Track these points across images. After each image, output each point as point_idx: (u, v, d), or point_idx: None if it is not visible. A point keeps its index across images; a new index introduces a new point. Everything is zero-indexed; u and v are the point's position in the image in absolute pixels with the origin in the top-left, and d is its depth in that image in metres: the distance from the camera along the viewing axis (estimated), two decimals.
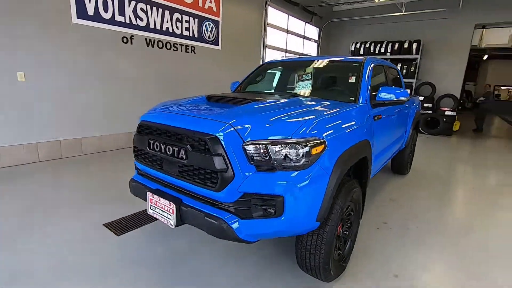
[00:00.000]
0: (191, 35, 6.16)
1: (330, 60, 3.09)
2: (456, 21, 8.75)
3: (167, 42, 5.75)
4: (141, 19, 5.21)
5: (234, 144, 1.63)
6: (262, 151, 1.62)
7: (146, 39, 5.39)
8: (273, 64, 3.56)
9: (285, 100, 2.35)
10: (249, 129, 1.68)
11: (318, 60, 3.16)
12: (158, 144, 1.90)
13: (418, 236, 2.75)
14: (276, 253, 2.37)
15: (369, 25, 10.30)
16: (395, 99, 2.56)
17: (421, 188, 4.07)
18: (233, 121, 1.69)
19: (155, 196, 1.93)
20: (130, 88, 5.34)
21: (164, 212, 1.88)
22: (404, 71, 9.28)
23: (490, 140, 8.48)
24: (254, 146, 1.63)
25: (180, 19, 5.85)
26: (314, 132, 1.72)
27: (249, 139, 1.64)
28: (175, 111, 2.03)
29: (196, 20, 6.20)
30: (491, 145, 7.75)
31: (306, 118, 1.81)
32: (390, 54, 9.55)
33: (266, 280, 2.07)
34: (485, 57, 16.36)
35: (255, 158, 1.63)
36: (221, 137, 1.62)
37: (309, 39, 10.63)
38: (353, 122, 2.13)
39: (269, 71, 3.53)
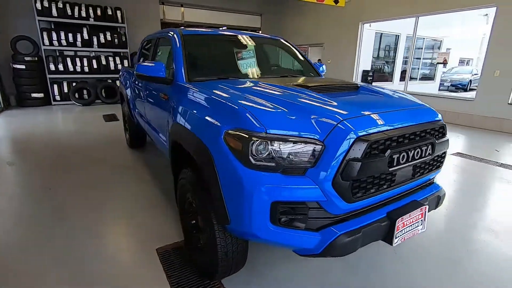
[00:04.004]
0: None
1: (257, 37, 3.00)
2: None
3: None
4: None
5: None
6: None
7: None
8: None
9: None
10: None
11: (244, 36, 2.91)
12: (405, 154, 1.47)
13: None
14: None
15: None
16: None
17: None
18: None
19: (404, 217, 1.54)
20: None
21: (412, 225, 1.61)
22: (116, 40, 8.83)
23: None
24: None
25: None
26: None
27: None
28: (383, 109, 1.57)
29: None
30: None
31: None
32: (94, 20, 8.46)
33: None
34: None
35: None
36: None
37: None
38: None
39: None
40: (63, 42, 8.17)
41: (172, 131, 2.07)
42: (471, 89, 15.26)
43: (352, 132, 1.34)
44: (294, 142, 1.34)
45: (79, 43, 8.39)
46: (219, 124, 1.52)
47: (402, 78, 12.42)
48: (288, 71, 2.93)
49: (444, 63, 12.84)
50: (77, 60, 8.42)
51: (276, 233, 1.38)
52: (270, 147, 1.34)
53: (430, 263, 2.10)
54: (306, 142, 1.34)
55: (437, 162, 1.78)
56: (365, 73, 10.93)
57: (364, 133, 1.37)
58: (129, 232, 2.42)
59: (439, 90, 14.22)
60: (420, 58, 12.86)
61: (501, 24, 6.02)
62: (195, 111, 1.79)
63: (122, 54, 9.16)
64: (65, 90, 8.49)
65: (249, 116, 1.42)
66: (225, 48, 2.76)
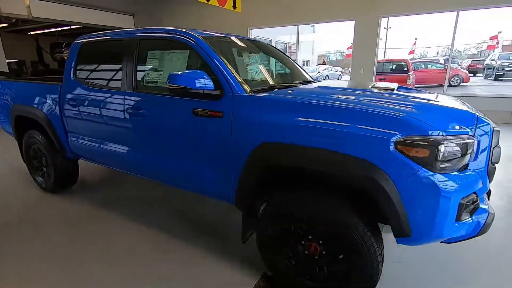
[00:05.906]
0: None
1: (252, 40, 2.80)
2: None
3: None
4: None
5: None
6: None
7: None
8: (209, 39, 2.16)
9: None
10: None
11: (247, 40, 2.67)
12: None
13: None
14: None
15: None
16: None
17: None
18: None
19: None
20: None
21: None
22: None
23: None
24: None
25: None
26: None
27: None
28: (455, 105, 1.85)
29: None
30: None
31: None
32: None
33: None
34: None
35: None
36: None
37: None
38: None
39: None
40: None
41: (260, 155, 1.71)
42: None
43: (490, 124, 1.58)
44: (461, 140, 1.45)
45: None
46: (381, 134, 1.41)
47: None
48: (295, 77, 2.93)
49: (324, 63, 15.69)
50: None
51: (456, 228, 1.46)
52: (449, 148, 1.39)
53: None
54: (466, 138, 1.47)
55: None
56: None
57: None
58: None
59: None
60: None
61: (359, 35, 7.93)
62: (324, 126, 1.54)
63: None
64: None
65: (423, 122, 1.41)
66: (248, 53, 2.45)
